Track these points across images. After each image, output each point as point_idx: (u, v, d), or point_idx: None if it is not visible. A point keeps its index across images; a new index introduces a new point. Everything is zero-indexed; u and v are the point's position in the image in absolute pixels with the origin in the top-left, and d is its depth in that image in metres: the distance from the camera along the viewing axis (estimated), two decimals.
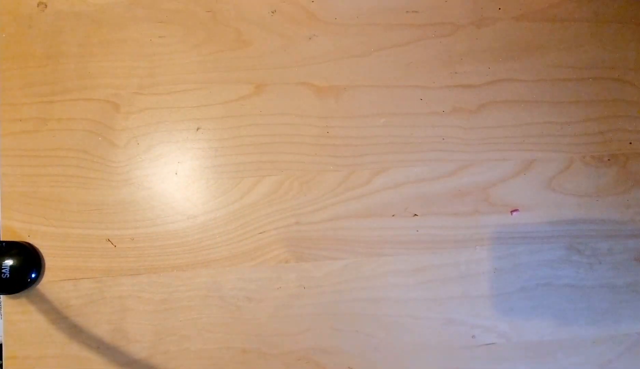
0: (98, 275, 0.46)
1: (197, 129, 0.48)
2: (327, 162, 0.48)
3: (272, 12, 0.50)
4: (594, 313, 0.47)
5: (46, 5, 0.49)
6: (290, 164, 0.48)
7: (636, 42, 0.51)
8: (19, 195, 0.47)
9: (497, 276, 0.47)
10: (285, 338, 0.47)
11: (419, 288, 0.47)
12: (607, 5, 0.51)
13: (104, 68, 0.49)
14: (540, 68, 0.50)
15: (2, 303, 0.48)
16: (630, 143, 0.49)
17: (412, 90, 0.49)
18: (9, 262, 0.44)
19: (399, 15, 0.50)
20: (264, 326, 0.46)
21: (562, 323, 0.47)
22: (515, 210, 0.48)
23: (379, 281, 0.47)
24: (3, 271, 0.44)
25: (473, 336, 0.47)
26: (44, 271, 0.46)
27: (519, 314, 0.47)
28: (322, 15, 0.50)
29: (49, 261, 0.46)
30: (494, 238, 0.47)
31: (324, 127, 0.49)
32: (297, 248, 0.47)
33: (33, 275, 0.45)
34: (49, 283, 0.46)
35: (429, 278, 0.47)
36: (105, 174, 0.47)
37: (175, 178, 0.48)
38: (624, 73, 0.50)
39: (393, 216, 0.48)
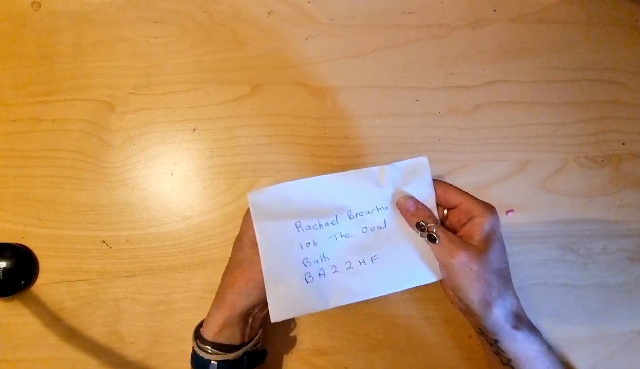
0: (93, 277, 0.46)
1: (193, 129, 0.48)
2: (324, 162, 0.48)
3: (269, 13, 0.50)
4: (588, 312, 0.48)
5: (40, 5, 0.49)
6: (286, 165, 0.48)
7: (629, 44, 0.51)
8: (12, 196, 0.46)
9: None
10: (282, 339, 0.46)
11: (415, 288, 0.47)
12: (600, 8, 0.52)
13: (98, 68, 0.48)
14: (534, 69, 0.50)
15: None
16: (624, 144, 0.50)
17: (408, 91, 0.50)
18: (2, 264, 0.44)
19: (395, 17, 0.50)
20: None
21: (556, 322, 0.48)
22: (511, 210, 0.48)
23: None
24: None
25: (469, 336, 0.47)
26: (37, 273, 0.46)
27: None
28: (318, 16, 0.50)
29: (43, 263, 0.46)
30: None
31: (321, 128, 0.49)
32: None
33: (27, 277, 0.45)
34: (43, 284, 0.46)
35: None
36: (100, 174, 0.47)
37: (171, 179, 0.48)
38: (617, 75, 0.51)
39: None
